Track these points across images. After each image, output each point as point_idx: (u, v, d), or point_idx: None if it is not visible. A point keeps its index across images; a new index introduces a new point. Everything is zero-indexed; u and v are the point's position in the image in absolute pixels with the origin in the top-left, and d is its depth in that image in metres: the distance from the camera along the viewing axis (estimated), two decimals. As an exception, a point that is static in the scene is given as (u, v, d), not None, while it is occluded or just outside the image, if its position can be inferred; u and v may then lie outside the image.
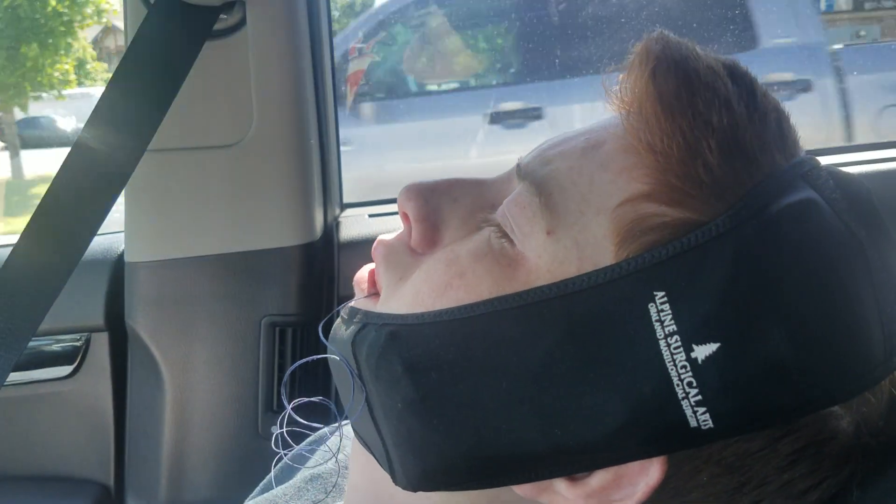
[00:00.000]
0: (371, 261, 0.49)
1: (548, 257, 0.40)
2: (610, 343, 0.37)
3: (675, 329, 0.36)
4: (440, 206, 0.46)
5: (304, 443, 0.67)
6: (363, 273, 0.49)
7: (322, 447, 0.66)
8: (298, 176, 1.12)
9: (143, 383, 1.17)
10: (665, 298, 0.36)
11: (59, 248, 0.84)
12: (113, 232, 1.22)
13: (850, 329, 0.37)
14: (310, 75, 1.13)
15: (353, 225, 1.26)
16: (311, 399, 0.53)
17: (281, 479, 0.68)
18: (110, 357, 1.19)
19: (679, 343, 0.36)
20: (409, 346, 0.42)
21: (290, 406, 0.52)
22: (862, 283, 0.38)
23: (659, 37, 0.42)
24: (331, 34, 1.21)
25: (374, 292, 0.48)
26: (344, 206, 1.31)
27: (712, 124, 0.38)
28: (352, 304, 0.48)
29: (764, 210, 0.37)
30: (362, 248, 1.21)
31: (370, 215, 1.29)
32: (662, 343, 0.36)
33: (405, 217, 0.47)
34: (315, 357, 0.51)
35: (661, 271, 0.36)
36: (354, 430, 0.48)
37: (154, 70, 0.90)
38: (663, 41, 0.41)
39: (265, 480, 0.70)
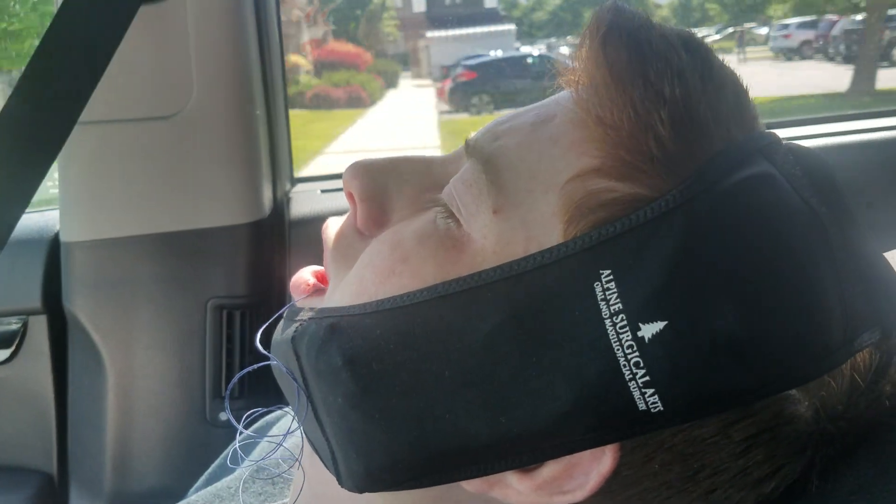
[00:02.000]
0: (322, 246, 0.48)
1: (493, 238, 0.39)
2: (554, 325, 0.36)
3: (621, 308, 0.35)
4: (387, 185, 0.45)
5: (248, 431, 0.65)
6: (300, 278, 0.49)
7: (266, 437, 0.65)
8: (244, 149, 1.08)
9: (84, 368, 1.14)
10: (611, 276, 0.35)
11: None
12: (49, 209, 1.17)
13: (807, 308, 0.36)
14: (254, 40, 1.08)
15: (304, 201, 1.22)
16: (257, 411, 0.52)
17: (227, 469, 0.67)
18: (49, 341, 1.15)
19: (625, 322, 0.35)
20: (349, 338, 0.40)
21: (242, 420, 0.52)
22: (821, 262, 0.36)
23: (611, 6, 0.41)
24: (277, -1, 1.16)
25: (316, 289, 0.48)
26: (295, 182, 1.27)
27: (664, 95, 0.37)
28: (295, 302, 0.47)
29: (716, 184, 0.36)
30: (315, 226, 1.17)
31: (322, 191, 1.25)
32: (608, 322, 0.35)
33: (350, 197, 0.46)
34: (257, 366, 0.49)
35: (608, 249, 0.35)
36: (304, 432, 0.47)
37: (85, 35, 0.85)
38: (615, 10, 0.40)
39: (209, 470, 0.69)
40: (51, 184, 0.99)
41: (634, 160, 0.37)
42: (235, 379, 1.07)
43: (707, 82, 0.39)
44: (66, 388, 1.16)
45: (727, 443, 0.37)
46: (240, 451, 0.66)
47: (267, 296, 1.13)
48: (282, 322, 0.47)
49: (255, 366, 0.49)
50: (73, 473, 1.17)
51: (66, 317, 1.12)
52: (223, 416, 1.09)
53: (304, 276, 0.48)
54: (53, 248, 1.12)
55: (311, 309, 0.45)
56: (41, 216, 1.17)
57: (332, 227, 0.48)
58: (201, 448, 1.10)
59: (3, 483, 1.17)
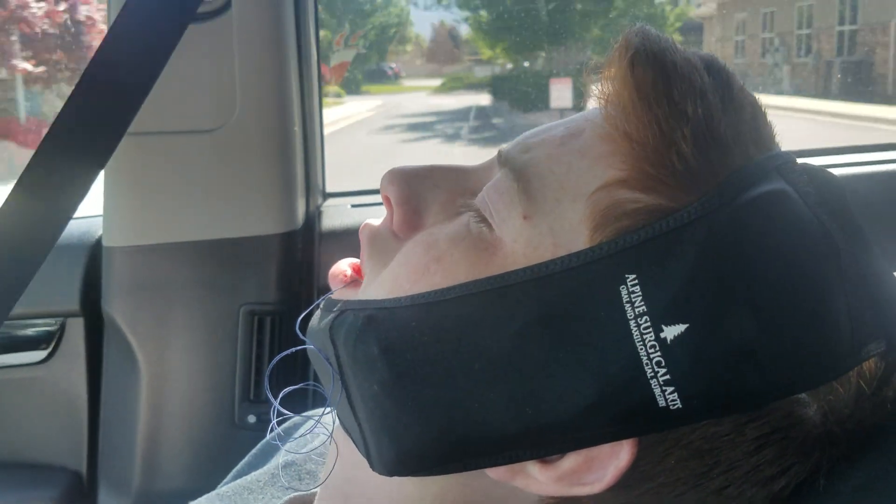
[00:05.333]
0: (352, 252, 0.50)
1: (523, 242, 0.40)
2: (581, 324, 0.38)
3: (645, 310, 0.36)
4: (421, 191, 0.46)
5: (277, 430, 0.67)
6: (338, 268, 0.50)
7: (295, 434, 0.66)
8: (280, 163, 1.11)
9: (119, 370, 1.16)
10: (636, 281, 0.37)
11: (33, 230, 0.83)
12: (91, 216, 1.21)
13: (817, 318, 0.37)
14: (294, 61, 1.12)
15: (335, 215, 1.25)
16: (293, 387, 0.53)
17: (255, 466, 0.68)
18: (85, 343, 1.18)
19: (648, 323, 0.36)
20: (386, 329, 0.42)
21: (277, 399, 0.51)
22: (831, 276, 0.38)
23: (639, 30, 0.42)
24: (317, 19, 1.20)
25: (353, 280, 0.49)
26: (326, 196, 1.30)
27: (687, 114, 0.39)
28: (332, 294, 0.49)
29: (735, 199, 0.38)
30: (344, 239, 1.20)
31: (352, 206, 1.28)
32: (633, 323, 0.37)
33: (387, 201, 0.47)
34: (294, 349, 0.52)
35: (633, 255, 0.37)
36: (337, 417, 0.49)
37: (136, 51, 0.88)
38: (643, 34, 0.42)
39: (239, 466, 0.70)
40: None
41: (658, 173, 0.38)
42: (274, 361, 1.09)
43: (727, 103, 0.41)
44: (100, 389, 1.18)
45: (741, 441, 0.38)
46: (276, 432, 0.67)
47: (296, 303, 1.15)
48: (318, 312, 0.49)
49: (294, 349, 0.52)
50: (103, 472, 1.19)
51: (103, 319, 1.15)
52: (251, 418, 1.12)
53: (342, 266, 0.50)
54: (93, 253, 1.16)
55: (349, 301, 0.46)
56: (83, 221, 1.20)
57: (367, 224, 0.49)
58: (228, 450, 1.11)
59: (34, 480, 1.19)
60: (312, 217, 1.22)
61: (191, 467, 1.14)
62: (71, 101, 0.84)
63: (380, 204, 1.28)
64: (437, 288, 0.42)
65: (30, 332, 1.19)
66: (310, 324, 0.50)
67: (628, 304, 0.37)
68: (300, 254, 1.17)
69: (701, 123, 0.39)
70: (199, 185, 1.09)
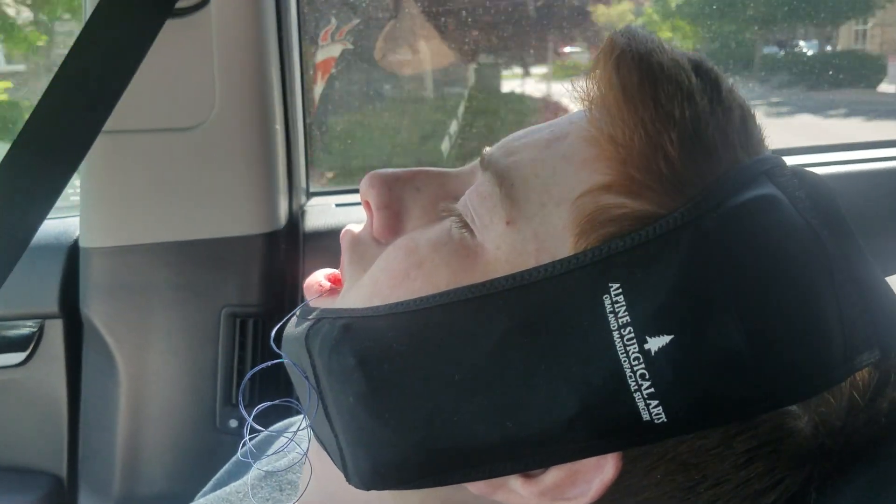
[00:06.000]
0: (336, 252, 0.49)
1: (506, 248, 0.40)
2: (563, 334, 0.37)
3: (629, 320, 0.36)
4: (402, 195, 0.46)
5: (256, 438, 0.66)
6: (314, 279, 0.50)
7: (276, 443, 0.65)
8: (262, 162, 1.09)
9: (98, 373, 1.15)
10: (620, 290, 0.36)
11: (6, 230, 0.81)
12: (68, 216, 1.19)
13: (807, 326, 0.36)
14: (276, 57, 1.11)
15: (318, 214, 1.23)
16: (267, 404, 0.53)
17: (235, 475, 0.67)
18: (65, 345, 1.16)
19: (632, 334, 0.36)
20: (363, 338, 0.42)
21: (252, 412, 0.52)
22: (822, 282, 0.37)
23: (625, 31, 0.41)
24: (300, 14, 1.18)
25: (330, 290, 0.48)
26: (310, 195, 1.29)
27: (674, 117, 0.38)
28: (309, 302, 0.48)
29: (722, 204, 0.37)
30: (328, 238, 1.19)
31: (337, 205, 1.26)
32: (616, 334, 0.36)
33: (367, 206, 0.47)
34: (270, 363, 0.51)
35: (617, 263, 0.36)
36: (312, 429, 0.48)
37: (112, 47, 0.86)
38: (629, 34, 0.41)
39: (217, 476, 0.69)
40: (71, 191, 1.01)
41: (644, 178, 0.38)
42: (248, 376, 1.07)
43: (715, 105, 0.40)
44: (79, 392, 1.17)
45: (729, 454, 0.38)
46: (251, 449, 0.66)
47: (280, 306, 1.14)
48: (294, 320, 0.48)
49: (268, 363, 0.51)
50: (83, 476, 1.18)
51: (81, 321, 1.14)
52: (233, 423, 1.11)
53: (318, 277, 0.50)
54: (71, 254, 1.14)
55: (325, 309, 0.46)
56: (60, 222, 1.18)
57: (347, 229, 0.49)
58: (210, 454, 1.10)
59: (13, 484, 1.17)
60: (296, 217, 1.20)
61: (171, 471, 1.13)
62: (45, 99, 0.82)
63: (363, 203, 1.26)
64: (417, 296, 0.41)
65: (8, 334, 1.17)
66: (285, 332, 0.49)
67: (612, 315, 0.36)
68: (283, 254, 1.15)
69: (688, 126, 0.38)
70: (179, 185, 1.07)
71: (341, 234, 0.49)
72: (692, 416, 0.36)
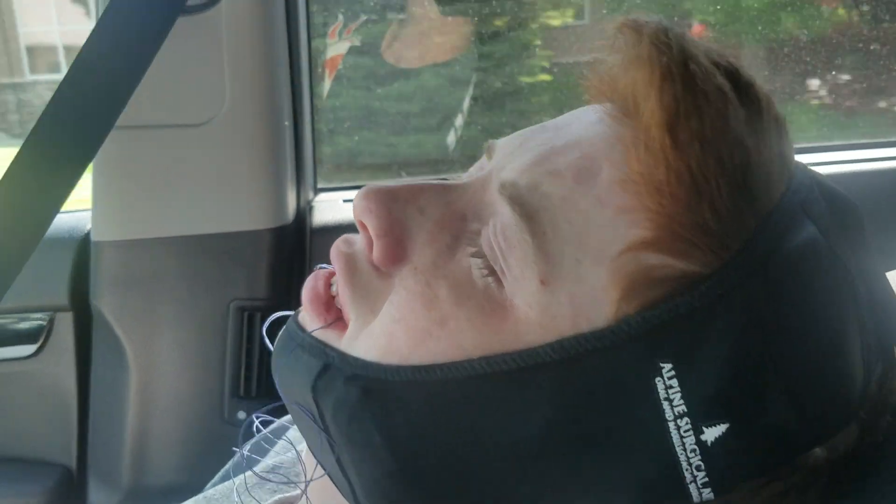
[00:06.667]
0: None
1: (539, 309, 0.36)
2: (613, 420, 0.35)
3: (685, 410, 0.34)
4: (404, 218, 0.40)
5: (262, 433, 0.66)
6: (315, 293, 0.44)
7: (283, 437, 0.65)
8: (271, 157, 1.10)
9: (108, 365, 1.15)
10: (672, 372, 0.34)
11: (21, 224, 0.82)
12: (80, 210, 1.20)
13: (842, 377, 0.36)
14: (285, 54, 1.12)
15: (326, 210, 1.24)
16: (264, 417, 0.51)
17: (241, 467, 0.67)
18: (75, 337, 1.17)
19: (689, 425, 0.34)
20: (387, 410, 0.38)
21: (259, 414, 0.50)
22: (852, 325, 0.37)
23: (662, 36, 0.37)
24: (308, 12, 1.19)
25: (334, 324, 0.43)
26: (318, 191, 1.30)
27: (723, 162, 0.35)
28: (313, 331, 0.43)
29: (768, 259, 0.35)
30: (335, 234, 1.18)
31: (344, 200, 1.27)
32: (672, 425, 0.34)
33: (363, 227, 0.41)
34: (274, 407, 0.47)
35: (667, 337, 0.34)
36: (320, 462, 0.44)
37: (124, 44, 0.87)
38: (667, 41, 0.37)
39: (224, 469, 0.70)
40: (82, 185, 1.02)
41: (690, 234, 0.35)
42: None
43: (760, 139, 0.37)
44: (89, 384, 1.18)
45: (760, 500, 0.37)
46: (245, 453, 0.65)
47: (287, 299, 1.15)
48: (286, 337, 0.44)
49: (273, 405, 0.47)
50: (92, 467, 1.18)
51: (91, 314, 1.15)
52: (241, 415, 1.12)
53: (318, 289, 0.44)
54: (82, 247, 1.15)
55: (330, 347, 0.41)
56: (71, 215, 1.19)
57: (341, 250, 0.43)
58: (218, 446, 1.11)
59: (23, 475, 1.18)
60: (303, 212, 1.21)
61: (180, 463, 1.14)
62: (59, 94, 0.83)
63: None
64: (443, 361, 0.37)
65: (19, 326, 1.18)
66: (278, 359, 0.44)
67: (666, 402, 0.34)
68: (291, 249, 1.16)
69: (737, 173, 0.36)
70: (189, 180, 1.08)
71: (333, 252, 0.43)
72: (739, 485, 0.35)
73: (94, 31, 0.86)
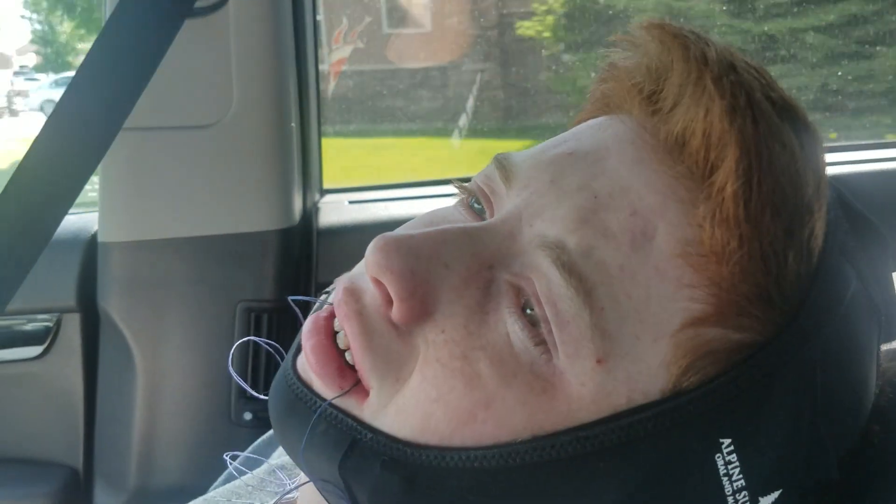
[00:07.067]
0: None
1: (594, 387, 0.34)
2: (677, 497, 0.34)
3: (744, 484, 0.33)
4: (428, 276, 0.36)
5: (260, 439, 0.65)
6: (322, 350, 0.38)
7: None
8: (277, 159, 1.11)
9: (115, 366, 1.16)
10: (732, 448, 0.33)
11: (29, 225, 0.82)
12: (87, 211, 1.20)
13: (867, 409, 0.38)
14: (292, 57, 1.12)
15: (332, 211, 1.25)
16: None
17: (251, 465, 0.67)
18: (82, 338, 1.17)
19: (746, 497, 0.33)
20: (436, 500, 0.35)
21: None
22: (876, 362, 0.37)
23: (731, 72, 0.35)
24: (315, 15, 1.20)
25: (352, 385, 0.38)
26: (324, 192, 1.30)
27: (792, 234, 0.34)
28: (332, 399, 0.38)
29: (825, 322, 0.34)
30: (341, 235, 1.20)
31: (350, 202, 1.28)
32: (731, 499, 0.33)
33: (379, 285, 0.37)
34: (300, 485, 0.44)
35: (726, 413, 0.33)
36: None
37: (132, 46, 0.88)
38: (738, 83, 0.34)
39: (227, 471, 0.69)
40: (89, 187, 1.02)
41: (750, 306, 0.33)
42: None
43: (821, 194, 0.36)
44: (96, 385, 1.18)
45: None
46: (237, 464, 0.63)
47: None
48: (290, 396, 0.39)
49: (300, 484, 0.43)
50: (99, 468, 1.19)
51: (98, 315, 1.15)
52: (247, 416, 1.12)
53: (326, 345, 0.38)
54: (89, 249, 1.15)
55: (354, 420, 0.37)
56: (79, 217, 1.20)
57: (352, 308, 0.38)
58: (225, 447, 1.09)
59: (30, 476, 1.18)
60: (310, 213, 1.21)
61: (187, 464, 1.14)
62: (67, 96, 0.84)
63: (377, 200, 1.28)
64: (490, 443, 0.34)
65: (26, 327, 1.18)
66: (279, 400, 0.40)
67: (726, 478, 0.33)
68: (297, 250, 1.16)
69: (804, 245, 0.34)
70: (196, 181, 1.09)
71: (342, 311, 0.38)
72: None
73: (102, 32, 0.86)
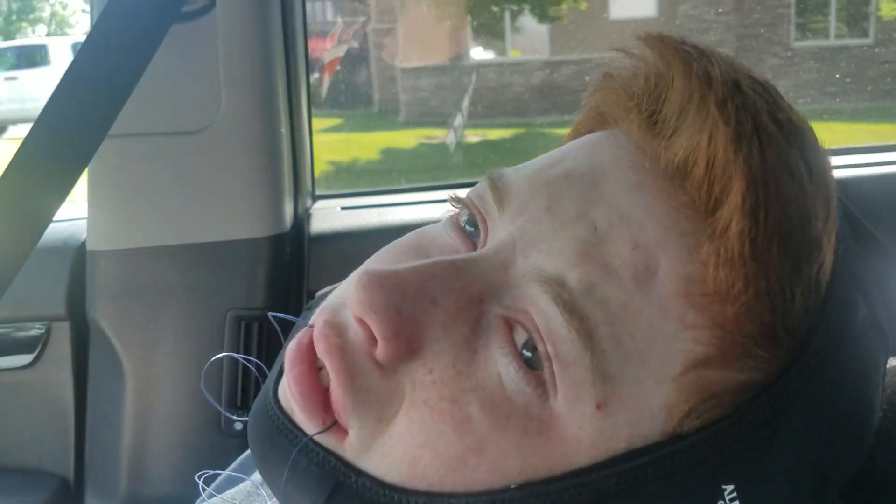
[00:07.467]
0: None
1: (592, 431, 0.33)
2: None
3: None
4: (415, 316, 0.35)
5: (247, 452, 0.64)
6: (306, 383, 0.37)
7: None
8: (267, 165, 1.10)
9: (105, 375, 1.15)
10: (734, 494, 0.32)
11: (14, 232, 0.82)
12: (76, 219, 1.19)
13: (872, 432, 0.37)
14: (281, 61, 1.11)
15: (324, 217, 1.24)
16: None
17: (234, 482, 0.66)
18: (71, 347, 1.17)
19: None
20: None
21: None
22: (880, 377, 0.37)
23: (736, 95, 0.33)
24: (304, 19, 1.19)
25: (333, 423, 0.37)
26: (316, 198, 1.29)
27: (800, 269, 0.33)
28: (313, 434, 0.37)
29: (831, 356, 0.33)
30: (333, 242, 1.19)
31: (342, 208, 1.27)
32: None
33: (362, 324, 0.36)
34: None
35: (729, 457, 0.32)
36: None
37: (119, 51, 0.87)
38: (743, 105, 0.33)
39: (218, 480, 0.69)
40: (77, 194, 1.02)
41: (755, 346, 0.33)
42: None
43: (831, 226, 0.34)
44: (86, 394, 1.17)
45: None
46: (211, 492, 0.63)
47: (284, 308, 1.14)
48: (270, 426, 0.38)
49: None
50: (89, 478, 1.18)
51: (88, 323, 1.14)
52: (238, 426, 1.11)
53: (310, 379, 0.37)
54: (78, 257, 1.14)
55: (332, 453, 0.36)
56: (67, 225, 1.19)
57: (333, 343, 0.36)
58: (216, 457, 1.10)
59: (20, 485, 1.18)
60: (301, 220, 1.21)
61: (178, 473, 1.13)
62: (52, 102, 0.83)
63: (370, 206, 1.27)
64: (480, 489, 0.33)
65: (16, 335, 1.17)
66: (258, 429, 0.39)
67: None
68: (288, 257, 1.15)
69: (812, 280, 0.33)
70: (185, 188, 1.08)
71: (323, 345, 0.37)
72: None
73: (88, 37, 0.86)
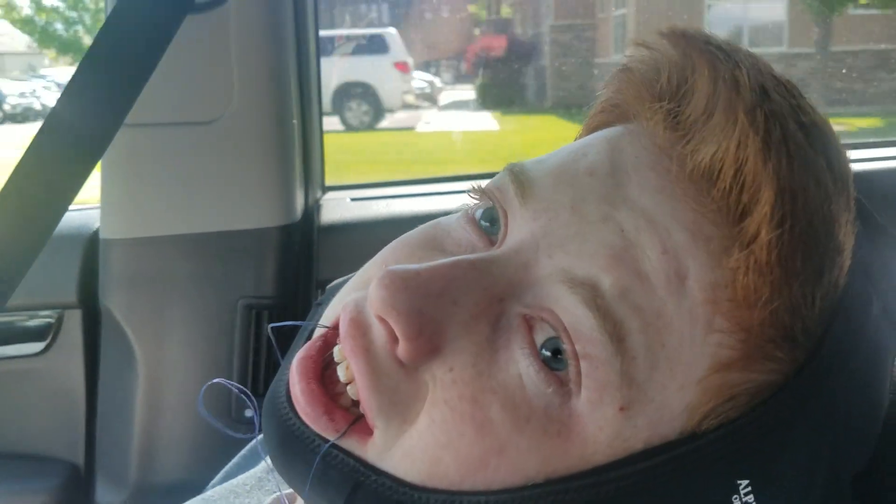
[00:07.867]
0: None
1: (611, 431, 0.33)
2: None
3: None
4: (436, 316, 0.35)
5: (257, 438, 0.64)
6: (309, 390, 0.37)
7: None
8: (278, 156, 1.11)
9: (116, 363, 1.16)
10: (749, 488, 0.32)
11: (30, 221, 0.82)
12: (89, 207, 1.20)
13: (878, 433, 0.37)
14: (293, 53, 1.12)
15: (334, 208, 1.25)
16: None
17: (243, 468, 0.67)
18: (83, 335, 1.17)
19: None
20: None
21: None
22: (889, 372, 0.37)
23: (765, 102, 0.33)
24: (316, 11, 1.20)
25: (348, 424, 0.37)
26: (326, 189, 1.30)
27: (822, 276, 0.33)
28: (333, 440, 0.37)
29: (848, 354, 0.34)
30: (342, 232, 1.20)
31: (352, 199, 1.27)
32: None
33: (385, 323, 0.36)
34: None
35: (746, 454, 0.33)
36: None
37: (133, 42, 0.87)
38: (771, 113, 0.33)
39: (227, 467, 0.69)
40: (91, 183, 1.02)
41: (775, 348, 0.33)
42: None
43: (851, 230, 0.35)
44: (97, 382, 1.18)
45: None
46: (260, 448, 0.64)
47: (294, 297, 1.15)
48: (283, 431, 0.38)
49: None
50: (100, 464, 1.19)
51: (100, 311, 1.15)
52: (248, 413, 1.12)
53: (314, 387, 0.37)
54: (91, 245, 1.15)
55: (356, 461, 0.36)
56: (81, 213, 1.20)
57: (358, 343, 0.37)
58: (225, 444, 1.10)
59: (31, 472, 1.19)
60: (311, 210, 1.21)
61: (187, 461, 1.14)
62: (67, 92, 0.84)
63: (379, 198, 1.28)
64: (500, 487, 0.33)
65: (28, 323, 1.18)
66: (273, 435, 0.38)
67: None
68: (298, 247, 1.16)
69: (832, 284, 0.33)
70: (197, 178, 1.08)
71: (349, 345, 0.37)
72: None
73: (103, 28, 0.86)
